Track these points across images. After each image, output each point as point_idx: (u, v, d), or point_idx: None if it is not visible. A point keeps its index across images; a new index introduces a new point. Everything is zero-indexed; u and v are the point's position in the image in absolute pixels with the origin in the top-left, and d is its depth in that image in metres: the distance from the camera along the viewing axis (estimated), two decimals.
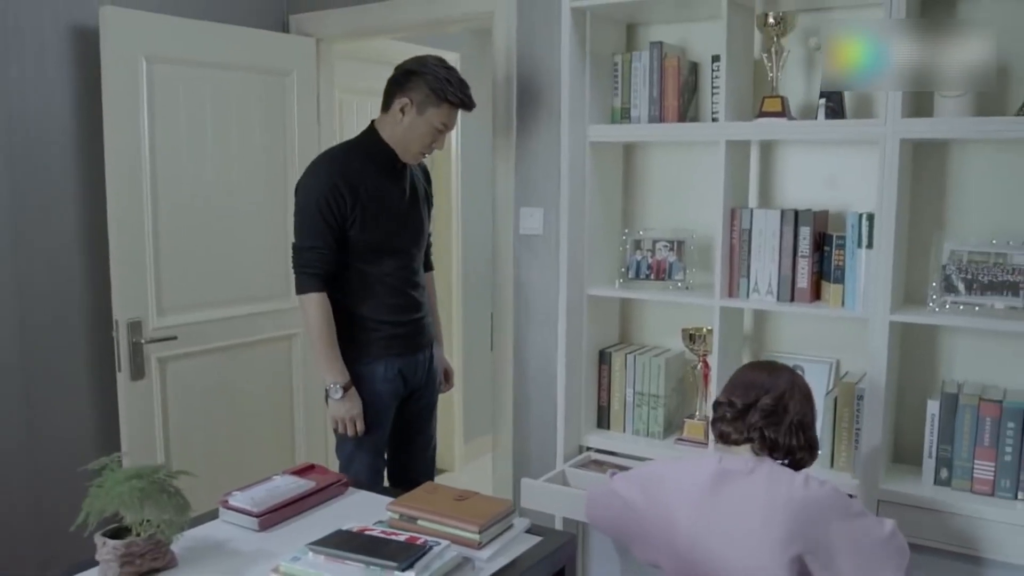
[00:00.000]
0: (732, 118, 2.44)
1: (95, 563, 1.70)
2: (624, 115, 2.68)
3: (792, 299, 2.42)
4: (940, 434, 2.26)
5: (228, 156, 3.22)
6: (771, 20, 2.46)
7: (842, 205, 2.50)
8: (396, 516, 1.87)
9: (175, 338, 3.05)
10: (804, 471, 1.83)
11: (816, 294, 2.43)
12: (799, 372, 2.05)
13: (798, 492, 1.76)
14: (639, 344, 2.91)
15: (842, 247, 2.35)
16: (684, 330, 2.69)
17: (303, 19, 3.55)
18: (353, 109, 4.06)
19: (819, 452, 1.94)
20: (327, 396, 2.54)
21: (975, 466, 2.22)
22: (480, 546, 1.79)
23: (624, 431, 2.77)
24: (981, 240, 2.26)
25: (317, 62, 3.50)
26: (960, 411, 2.23)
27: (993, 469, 2.20)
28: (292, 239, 2.55)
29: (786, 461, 1.87)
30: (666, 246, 2.68)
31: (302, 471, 2.19)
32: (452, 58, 4.35)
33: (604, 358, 2.81)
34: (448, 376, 2.97)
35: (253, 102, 3.28)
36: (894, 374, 2.35)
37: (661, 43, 2.60)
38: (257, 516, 1.92)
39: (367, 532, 1.77)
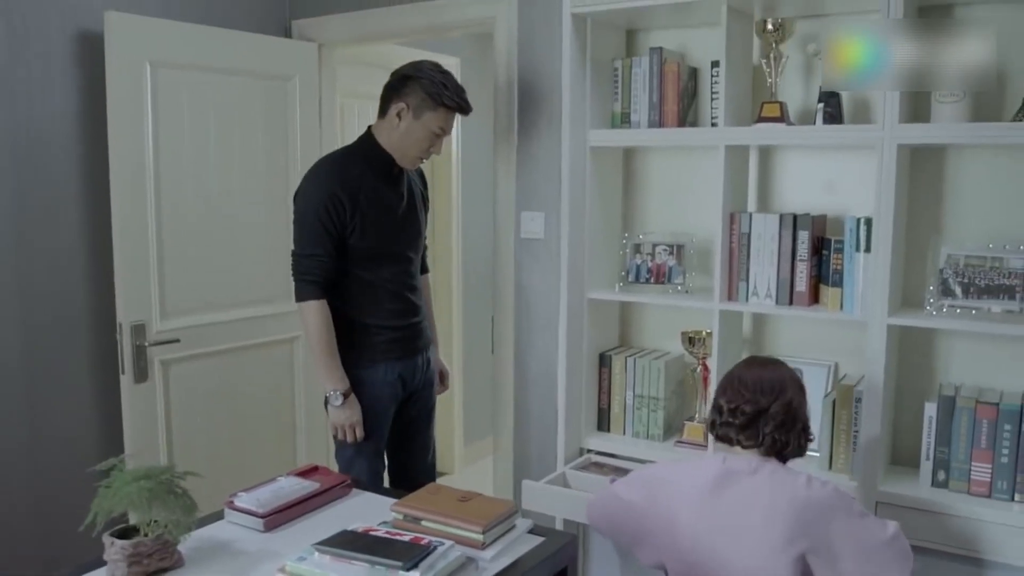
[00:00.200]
0: (731, 123, 2.47)
1: (103, 563, 1.72)
2: (624, 120, 2.70)
3: (791, 302, 2.44)
4: (937, 436, 2.28)
5: (231, 160, 3.24)
6: (770, 26, 2.48)
7: (840, 209, 2.52)
8: (400, 517, 1.89)
9: (178, 341, 3.07)
10: (806, 472, 1.84)
11: (815, 298, 2.46)
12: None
13: (801, 492, 1.78)
14: (639, 347, 2.93)
15: (840, 251, 2.38)
16: (684, 333, 2.71)
17: (305, 24, 3.57)
18: (355, 113, 4.08)
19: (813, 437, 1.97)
20: (327, 403, 2.55)
21: (972, 468, 2.24)
22: (483, 546, 1.81)
23: (624, 433, 2.79)
24: (978, 244, 2.28)
25: (319, 67, 3.53)
26: (957, 413, 2.25)
27: (990, 471, 2.22)
28: (292, 246, 2.56)
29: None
30: (666, 250, 2.71)
31: (306, 472, 2.21)
32: (453, 63, 4.40)
33: (604, 361, 2.83)
34: (443, 378, 2.98)
35: (256, 106, 3.31)
36: (892, 377, 2.37)
37: (661, 49, 2.62)
38: (262, 517, 1.94)
39: (372, 532, 1.79)
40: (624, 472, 2.61)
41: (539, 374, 3.13)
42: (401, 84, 2.53)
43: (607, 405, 2.83)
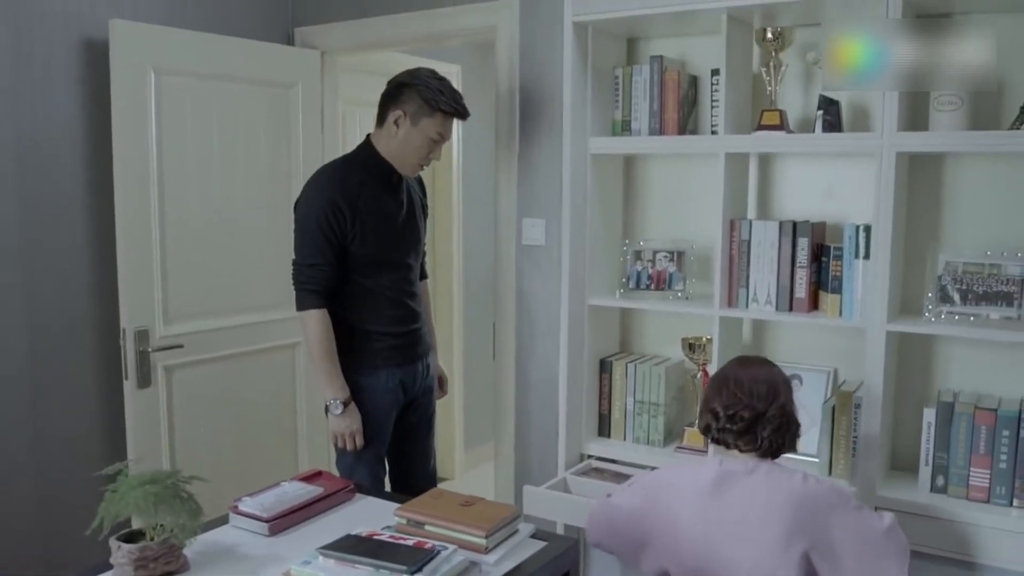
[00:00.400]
0: (731, 131, 2.49)
1: (109, 566, 1.73)
2: (625, 128, 2.72)
3: (790, 309, 2.46)
4: (936, 442, 2.30)
5: (234, 166, 3.26)
6: (770, 35, 2.50)
7: (839, 217, 2.54)
8: (404, 521, 1.90)
9: (181, 346, 3.09)
10: (802, 470, 1.87)
11: (814, 304, 2.47)
12: (790, 376, 2.10)
13: (798, 488, 1.81)
14: (639, 353, 2.94)
15: (839, 258, 2.39)
16: (684, 339, 2.72)
17: (308, 32, 3.59)
18: (356, 120, 4.10)
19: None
20: (327, 411, 2.56)
21: (971, 473, 2.25)
22: (487, 551, 1.82)
23: (625, 439, 2.81)
24: (976, 251, 2.30)
25: (321, 74, 3.55)
26: (956, 419, 2.26)
27: (988, 476, 2.23)
28: (293, 254, 2.58)
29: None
30: (666, 257, 2.72)
31: (310, 477, 2.22)
32: (454, 71, 4.42)
33: (605, 367, 2.84)
34: (442, 384, 2.99)
35: (259, 113, 3.33)
36: (891, 383, 2.39)
37: (661, 57, 2.65)
38: (267, 521, 1.95)
39: (376, 537, 1.80)
40: (624, 477, 2.63)
41: (540, 380, 3.14)
42: (398, 92, 2.54)
43: (608, 411, 2.84)
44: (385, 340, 2.62)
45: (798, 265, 2.44)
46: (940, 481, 2.30)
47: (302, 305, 2.53)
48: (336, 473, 2.68)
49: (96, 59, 2.94)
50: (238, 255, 3.28)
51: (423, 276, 2.86)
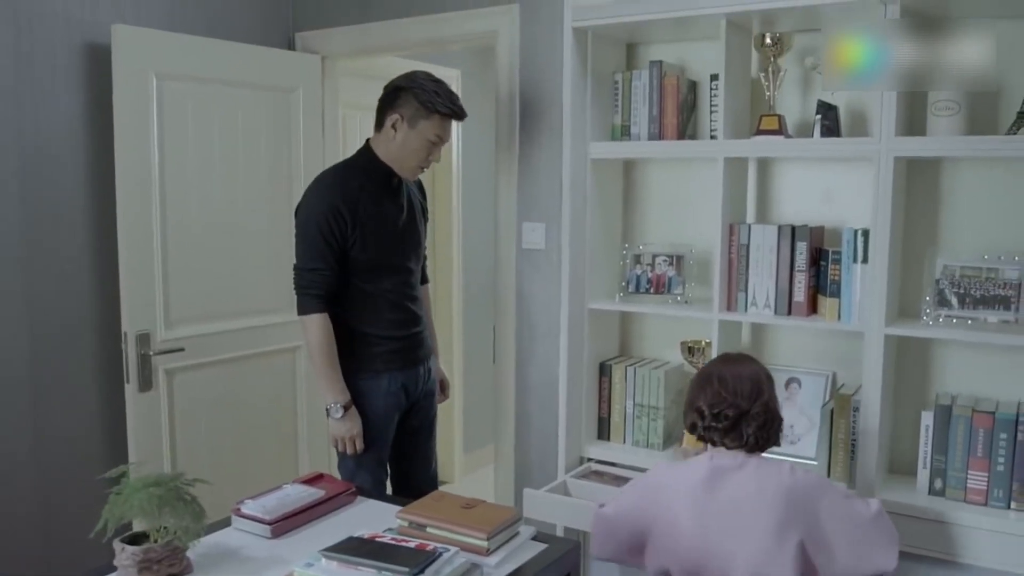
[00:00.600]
0: (730, 136, 2.50)
1: (112, 568, 1.74)
2: (624, 132, 2.73)
3: (789, 313, 2.47)
4: (934, 445, 2.31)
5: (235, 171, 3.27)
6: (768, 40, 2.51)
7: (838, 221, 2.56)
8: (406, 523, 1.92)
9: (182, 350, 3.10)
10: (790, 462, 1.90)
11: (812, 308, 2.49)
12: (789, 380, 2.12)
13: (786, 478, 1.86)
14: (639, 356, 2.96)
15: (838, 262, 2.41)
16: (683, 343, 2.73)
17: (309, 37, 3.61)
18: (357, 124, 4.11)
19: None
20: (328, 414, 2.57)
21: (968, 476, 2.26)
22: (488, 553, 1.83)
23: (624, 442, 2.82)
24: (973, 255, 2.31)
25: (322, 79, 3.56)
26: (954, 422, 2.27)
27: (986, 479, 2.24)
28: (294, 259, 2.59)
29: None
30: (665, 260, 2.74)
31: (311, 480, 2.23)
32: (454, 75, 4.43)
33: (604, 370, 2.85)
34: (444, 387, 3.00)
35: (260, 118, 3.34)
36: (889, 386, 2.40)
37: (661, 62, 2.66)
38: (270, 524, 1.96)
39: (378, 539, 1.81)
40: (624, 480, 2.64)
41: (540, 383, 3.16)
42: (394, 95, 2.56)
43: (607, 414, 2.85)
44: (386, 344, 2.63)
45: (797, 269, 2.46)
46: (938, 484, 2.31)
47: (303, 309, 2.54)
48: (338, 476, 2.69)
49: (98, 63, 2.96)
50: (239, 259, 3.30)
51: (424, 280, 2.87)
